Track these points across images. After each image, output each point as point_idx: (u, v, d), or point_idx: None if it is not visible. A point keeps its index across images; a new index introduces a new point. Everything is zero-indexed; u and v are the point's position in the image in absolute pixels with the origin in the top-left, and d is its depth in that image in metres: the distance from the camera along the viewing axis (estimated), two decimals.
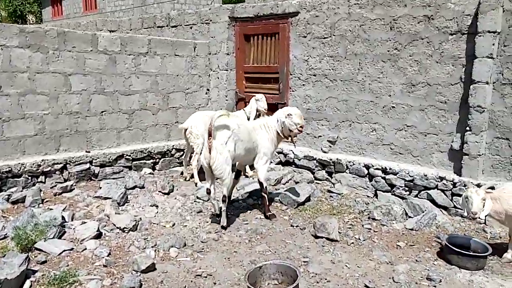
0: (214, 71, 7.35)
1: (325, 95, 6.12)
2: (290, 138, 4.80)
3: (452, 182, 4.89)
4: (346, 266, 3.70)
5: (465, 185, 4.75)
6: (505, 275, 3.59)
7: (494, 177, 4.75)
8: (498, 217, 3.75)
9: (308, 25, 6.11)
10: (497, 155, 4.73)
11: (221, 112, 4.32)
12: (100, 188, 5.34)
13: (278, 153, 6.50)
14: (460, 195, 4.81)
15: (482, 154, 4.75)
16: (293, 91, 6.50)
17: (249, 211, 5.00)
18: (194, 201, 5.26)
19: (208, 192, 4.48)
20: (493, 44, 4.45)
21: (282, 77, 6.57)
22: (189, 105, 7.18)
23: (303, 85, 6.34)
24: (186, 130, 5.92)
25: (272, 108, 6.70)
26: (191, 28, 7.67)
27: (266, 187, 4.79)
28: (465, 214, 3.82)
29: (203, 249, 3.99)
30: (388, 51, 5.34)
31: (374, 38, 5.45)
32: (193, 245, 4.07)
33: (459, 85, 4.85)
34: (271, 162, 5.44)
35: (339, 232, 4.34)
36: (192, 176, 6.09)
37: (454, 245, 3.85)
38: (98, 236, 4.12)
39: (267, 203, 4.79)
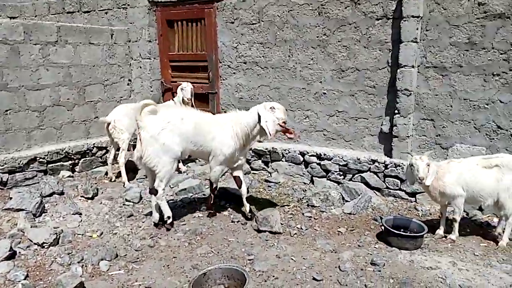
0: (135, 60, 6.79)
1: (257, 83, 5.95)
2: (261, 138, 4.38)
3: (383, 164, 5.04)
4: (292, 259, 3.60)
5: (396, 165, 4.92)
6: (440, 251, 3.75)
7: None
8: (433, 193, 3.90)
9: (235, 10, 5.85)
10: (423, 136, 4.95)
11: (146, 101, 4.03)
12: (11, 198, 4.62)
13: None
14: (391, 176, 4.99)
15: (410, 135, 4.94)
16: (223, 79, 6.23)
17: (185, 210, 4.69)
18: (123, 204, 4.80)
19: (152, 192, 4.16)
20: (417, 29, 4.60)
21: (211, 65, 6.26)
22: (110, 98, 6.57)
23: (234, 73, 6.10)
24: (109, 124, 5.39)
25: (202, 98, 6.40)
26: (106, 13, 6.98)
27: (216, 187, 4.51)
28: (409, 183, 4.03)
29: (138, 258, 3.62)
30: (318, 37, 5.30)
31: (303, 23, 5.37)
32: (126, 255, 3.68)
33: (386, 70, 4.97)
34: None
35: (281, 224, 4.24)
36: (118, 176, 5.59)
37: (391, 227, 3.95)
38: (12, 256, 3.54)
39: (211, 201, 4.54)
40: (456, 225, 3.95)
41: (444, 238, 4.00)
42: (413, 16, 4.56)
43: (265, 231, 4.08)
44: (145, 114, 3.95)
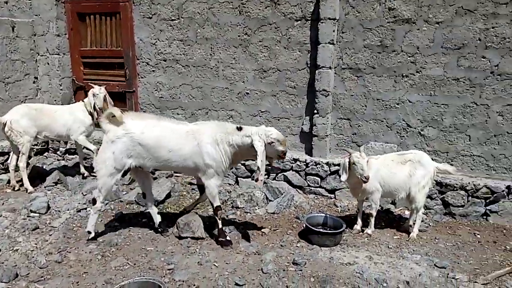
0: (42, 55, 6.17)
1: (178, 82, 5.72)
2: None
3: (305, 163, 5.13)
4: (215, 265, 3.49)
5: (316, 164, 5.03)
6: (357, 246, 3.89)
7: (339, 154, 5.14)
8: (357, 189, 4.03)
9: (153, 5, 5.56)
10: (340, 135, 5.13)
11: (112, 110, 3.71)
12: None
13: None
14: (312, 174, 5.10)
15: (329, 134, 5.09)
16: (142, 77, 5.90)
17: (100, 219, 4.34)
18: (28, 216, 4.31)
19: (142, 196, 4.07)
20: (334, 31, 4.73)
21: (128, 62, 5.89)
22: (12, 98, 5.90)
23: (153, 71, 5.81)
24: (4, 125, 4.82)
25: (119, 97, 6.02)
26: (6, 3, 6.24)
27: (218, 207, 3.85)
28: (343, 179, 4.00)
29: (42, 277, 3.25)
30: (239, 36, 5.23)
31: (224, 22, 5.26)
32: (28, 274, 3.29)
33: (306, 70, 5.05)
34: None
35: (204, 228, 4.10)
36: (23, 184, 5.04)
37: (312, 224, 4.02)
38: None
39: (220, 226, 3.89)
40: (372, 220, 4.13)
41: (361, 233, 4.16)
42: (329, 18, 4.68)
43: (186, 238, 3.92)
44: (107, 118, 3.70)
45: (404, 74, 4.69)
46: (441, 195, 4.62)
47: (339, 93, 5.01)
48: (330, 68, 4.84)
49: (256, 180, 3.52)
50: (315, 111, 5.03)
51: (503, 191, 4.40)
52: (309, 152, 5.24)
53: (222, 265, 3.49)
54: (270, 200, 4.94)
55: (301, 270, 3.41)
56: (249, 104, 5.40)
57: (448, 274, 3.40)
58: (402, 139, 4.86)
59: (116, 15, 5.84)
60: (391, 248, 3.89)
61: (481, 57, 4.39)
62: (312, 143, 5.15)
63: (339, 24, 4.78)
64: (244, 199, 4.82)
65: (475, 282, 3.28)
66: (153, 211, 4.11)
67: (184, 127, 3.81)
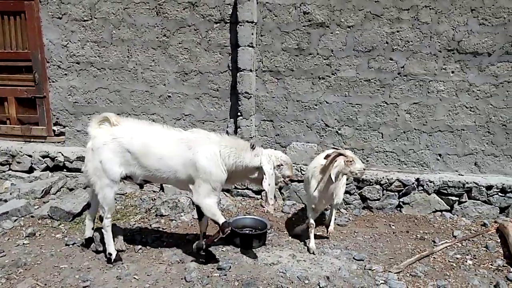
0: None
1: (93, 86, 5.40)
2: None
3: None
4: (135, 278, 3.32)
5: None
6: (282, 245, 3.95)
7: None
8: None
9: (62, 5, 5.18)
10: (265, 136, 5.19)
11: (107, 114, 3.41)
12: None
13: (44, 157, 5.43)
14: None
15: (253, 136, 5.13)
16: (53, 81, 5.47)
17: (6, 238, 3.94)
18: None
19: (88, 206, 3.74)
20: (252, 34, 4.77)
21: (36, 66, 5.43)
22: None
23: (66, 74, 5.42)
24: None
25: (29, 104, 5.53)
26: None
27: (224, 223, 3.38)
28: (315, 193, 3.71)
29: None
30: (157, 37, 5.07)
31: (141, 23, 5.07)
32: None
33: (227, 73, 5.04)
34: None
35: (124, 240, 3.90)
36: None
37: (238, 227, 4.01)
38: None
39: (215, 240, 3.57)
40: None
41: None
42: (248, 21, 4.71)
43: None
44: (98, 123, 3.39)
45: (320, 76, 4.87)
46: (358, 190, 4.87)
47: (261, 95, 5.07)
48: (251, 70, 4.87)
49: (265, 204, 3.30)
50: (239, 114, 5.03)
51: (413, 183, 4.75)
52: None
53: (143, 277, 3.34)
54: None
55: (225, 275, 3.38)
56: (172, 107, 5.26)
57: (365, 266, 3.58)
58: (321, 138, 5.04)
59: (21, 15, 5.35)
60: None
61: (389, 59, 4.70)
62: None
63: (257, 27, 4.84)
64: (168, 206, 4.68)
65: (389, 271, 3.48)
66: (89, 225, 3.78)
67: (177, 133, 3.45)
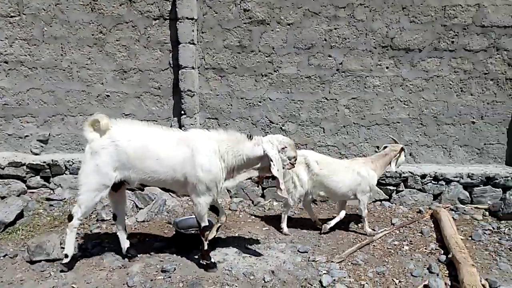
0: None
1: (25, 86, 5.07)
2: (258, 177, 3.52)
3: None
4: (73, 287, 3.16)
5: None
6: (228, 243, 3.94)
7: None
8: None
9: None
10: None
11: (98, 116, 3.20)
12: None
13: None
14: None
15: None
16: None
17: None
18: None
19: (114, 218, 3.58)
20: (193, 31, 4.70)
21: None
22: None
23: None
24: None
25: None
26: None
27: (205, 227, 3.39)
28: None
29: None
30: (93, 34, 4.86)
31: (75, 19, 4.83)
32: None
33: (169, 71, 4.94)
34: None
35: (62, 248, 3.70)
36: None
37: (184, 228, 3.95)
38: None
39: (206, 248, 3.43)
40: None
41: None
42: (187, 18, 4.64)
43: (40, 261, 3.48)
44: (92, 126, 3.24)
45: (263, 74, 4.91)
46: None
47: (205, 93, 5.02)
48: (193, 68, 4.81)
49: (280, 189, 3.21)
50: (183, 112, 4.96)
51: None
52: None
53: (82, 285, 3.19)
54: (140, 208, 4.71)
55: (169, 277, 3.31)
56: (111, 107, 5.07)
57: (309, 257, 3.66)
58: (266, 135, 5.07)
59: None
60: (259, 240, 4.03)
61: (328, 56, 4.84)
62: None
63: (198, 24, 4.78)
64: (110, 211, 4.49)
65: (332, 261, 3.59)
66: (122, 236, 3.59)
67: (175, 133, 3.36)
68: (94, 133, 3.25)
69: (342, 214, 4.22)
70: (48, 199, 4.88)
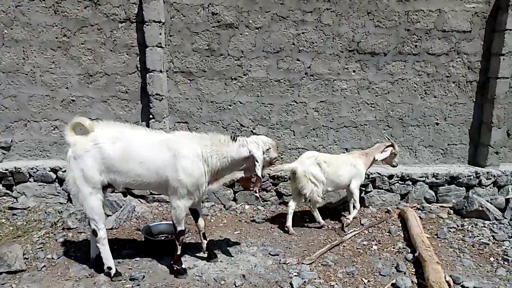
0: None
1: None
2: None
3: None
4: None
5: None
6: (198, 249, 3.89)
7: None
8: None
9: None
10: None
11: (80, 119, 3.14)
12: None
13: None
14: None
15: None
16: None
17: None
18: None
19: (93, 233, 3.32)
20: (160, 34, 4.65)
21: None
22: None
23: None
24: None
25: None
26: None
27: (181, 231, 3.34)
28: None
29: None
30: (57, 38, 4.72)
31: (37, 22, 4.68)
32: None
33: (136, 74, 4.86)
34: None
35: (25, 259, 3.56)
36: None
37: (153, 234, 3.88)
38: None
39: (178, 253, 3.38)
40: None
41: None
42: (154, 21, 4.59)
43: (0, 273, 3.34)
44: (73, 129, 3.17)
45: (233, 77, 4.91)
46: (274, 186, 4.99)
47: (174, 97, 4.97)
48: (161, 71, 4.75)
49: (256, 190, 3.25)
50: (151, 116, 4.89)
51: None
52: None
53: None
54: (108, 215, 4.59)
55: (138, 285, 3.24)
56: (77, 112, 4.93)
57: (280, 260, 3.68)
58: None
59: None
60: (231, 244, 4.02)
61: (296, 60, 4.89)
62: None
63: (166, 27, 4.73)
64: (76, 218, 4.38)
65: (302, 263, 3.61)
66: (94, 243, 3.42)
67: (159, 135, 3.27)
68: (75, 137, 3.18)
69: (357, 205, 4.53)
70: (11, 208, 4.69)
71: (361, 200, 4.88)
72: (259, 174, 3.25)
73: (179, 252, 3.38)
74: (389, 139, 4.56)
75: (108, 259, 3.31)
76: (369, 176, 4.97)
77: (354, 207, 4.50)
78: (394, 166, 4.59)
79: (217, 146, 3.26)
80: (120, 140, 3.15)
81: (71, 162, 3.15)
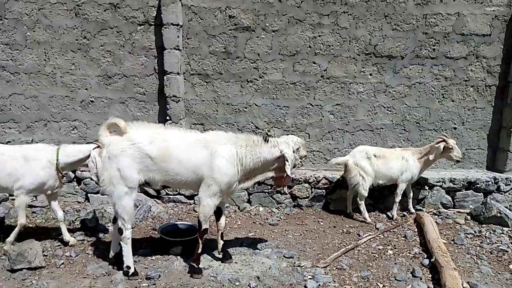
0: None
1: (7, 92, 4.99)
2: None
3: None
4: None
5: None
6: (214, 249, 3.92)
7: None
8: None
9: None
10: None
11: (115, 120, 3.23)
12: None
13: None
14: None
15: None
16: None
17: None
18: None
19: (114, 220, 3.46)
20: (178, 37, 4.71)
21: None
22: None
23: None
24: None
25: None
26: None
27: (206, 230, 3.42)
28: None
29: None
30: (77, 40, 4.82)
31: (59, 24, 4.79)
32: None
33: (154, 76, 4.93)
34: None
35: (44, 256, 3.64)
36: None
37: (169, 234, 3.92)
38: None
39: (199, 251, 3.44)
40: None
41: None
42: (173, 24, 4.65)
43: (21, 269, 3.42)
44: (108, 129, 3.24)
45: (249, 80, 4.94)
46: (289, 189, 5.00)
47: (190, 99, 5.02)
48: (178, 74, 4.81)
49: (284, 186, 3.55)
50: (168, 118, 4.94)
51: (338, 180, 4.98)
52: None
53: None
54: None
55: (154, 284, 3.28)
56: (95, 113, 5.02)
57: (294, 263, 3.68)
58: None
59: None
60: (245, 245, 4.03)
61: (312, 63, 4.90)
62: None
63: (183, 30, 4.79)
64: (94, 217, 4.45)
65: (317, 266, 3.61)
66: (116, 240, 3.51)
67: (194, 135, 3.39)
68: (110, 137, 3.25)
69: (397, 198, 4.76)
70: (30, 206, 4.79)
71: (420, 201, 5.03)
72: (289, 172, 3.31)
73: (200, 251, 3.44)
74: (444, 135, 4.56)
75: (128, 258, 3.37)
76: None
77: (394, 201, 4.73)
78: (457, 161, 4.60)
79: (251, 146, 3.34)
80: (157, 140, 3.23)
81: (106, 162, 3.22)
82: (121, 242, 3.36)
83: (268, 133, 3.64)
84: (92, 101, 5.00)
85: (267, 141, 3.39)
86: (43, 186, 3.72)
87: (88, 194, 5.01)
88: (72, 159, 3.73)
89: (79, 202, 4.99)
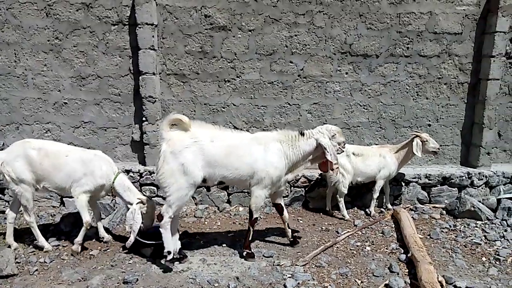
0: None
1: None
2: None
3: (138, 173, 4.93)
4: None
5: (151, 173, 4.87)
6: (192, 251, 3.89)
7: None
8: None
9: None
10: None
11: (178, 116, 3.36)
12: None
13: None
14: (147, 184, 4.92)
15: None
16: None
17: None
18: None
19: (158, 218, 3.56)
20: (153, 36, 4.64)
21: None
22: None
23: None
24: None
25: None
26: None
27: (256, 218, 3.74)
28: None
29: None
30: (49, 40, 4.70)
31: (29, 25, 4.66)
32: None
33: (129, 77, 4.85)
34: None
35: (17, 263, 3.54)
36: None
37: (149, 235, 3.86)
38: None
39: (250, 238, 3.77)
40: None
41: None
42: (147, 24, 4.58)
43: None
44: (169, 125, 3.38)
45: (226, 79, 4.91)
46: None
47: (167, 99, 4.96)
48: (154, 74, 4.74)
49: (330, 170, 3.57)
50: (144, 119, 4.87)
51: (317, 179, 5.01)
52: (142, 161, 5.06)
53: None
54: (102, 218, 4.56)
55: None
56: (69, 115, 4.91)
57: (274, 262, 3.68)
58: None
59: None
60: (225, 246, 4.01)
61: (289, 62, 4.91)
62: (145, 152, 4.98)
63: (158, 30, 4.73)
64: (70, 222, 4.35)
65: (296, 265, 3.62)
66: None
67: (246, 135, 3.68)
68: (173, 133, 3.39)
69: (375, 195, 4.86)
70: (2, 212, 4.64)
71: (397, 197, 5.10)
72: (330, 159, 3.55)
73: (250, 238, 3.75)
74: (416, 131, 4.74)
75: (168, 244, 3.49)
76: None
77: (371, 198, 4.80)
78: (435, 152, 4.70)
79: (292, 141, 3.65)
80: (217, 139, 3.47)
81: (168, 156, 3.35)
82: (160, 229, 3.48)
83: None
84: (65, 103, 4.88)
85: (303, 134, 3.66)
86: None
87: (63, 199, 4.89)
88: (119, 190, 3.92)
89: (54, 206, 4.86)
